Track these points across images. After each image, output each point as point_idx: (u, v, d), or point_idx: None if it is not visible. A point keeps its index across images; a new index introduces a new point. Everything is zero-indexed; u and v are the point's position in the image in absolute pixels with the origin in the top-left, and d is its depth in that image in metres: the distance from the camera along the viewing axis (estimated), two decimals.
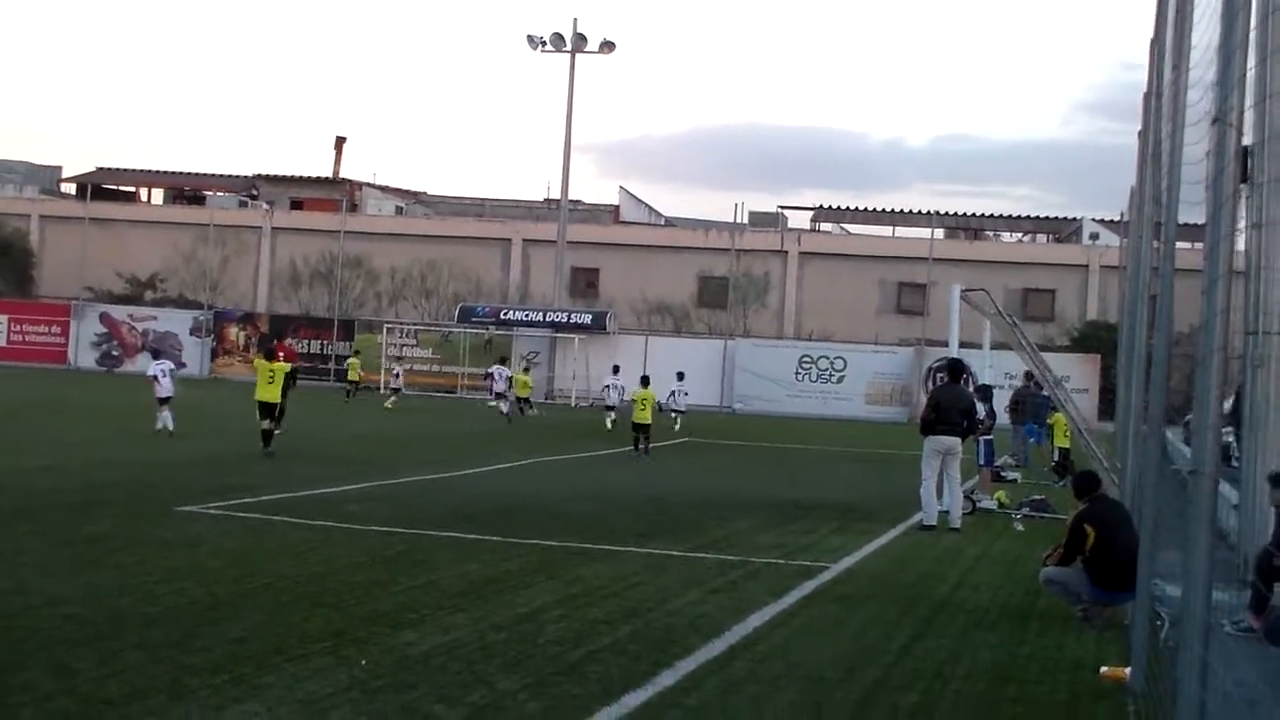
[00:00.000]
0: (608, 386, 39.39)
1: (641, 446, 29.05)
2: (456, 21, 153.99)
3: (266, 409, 24.65)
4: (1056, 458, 28.39)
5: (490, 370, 44.85)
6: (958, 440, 18.12)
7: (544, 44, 56.68)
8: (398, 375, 47.82)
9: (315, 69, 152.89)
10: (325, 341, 58.25)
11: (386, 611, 10.65)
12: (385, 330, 56.85)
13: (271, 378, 24.87)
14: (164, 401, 28.13)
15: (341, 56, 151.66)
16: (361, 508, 17.22)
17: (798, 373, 54.79)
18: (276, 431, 24.98)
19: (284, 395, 29.02)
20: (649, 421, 29.41)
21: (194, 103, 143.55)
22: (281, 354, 33.12)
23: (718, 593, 12.38)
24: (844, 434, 42.91)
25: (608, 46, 56.66)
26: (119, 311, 61.36)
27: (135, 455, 23.01)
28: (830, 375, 54.59)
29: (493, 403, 43.45)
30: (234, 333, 59.76)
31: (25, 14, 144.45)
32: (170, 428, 27.50)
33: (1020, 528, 18.51)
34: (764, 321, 65.90)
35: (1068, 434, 27.70)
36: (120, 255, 68.77)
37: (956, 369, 18.99)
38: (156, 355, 31.28)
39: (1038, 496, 21.55)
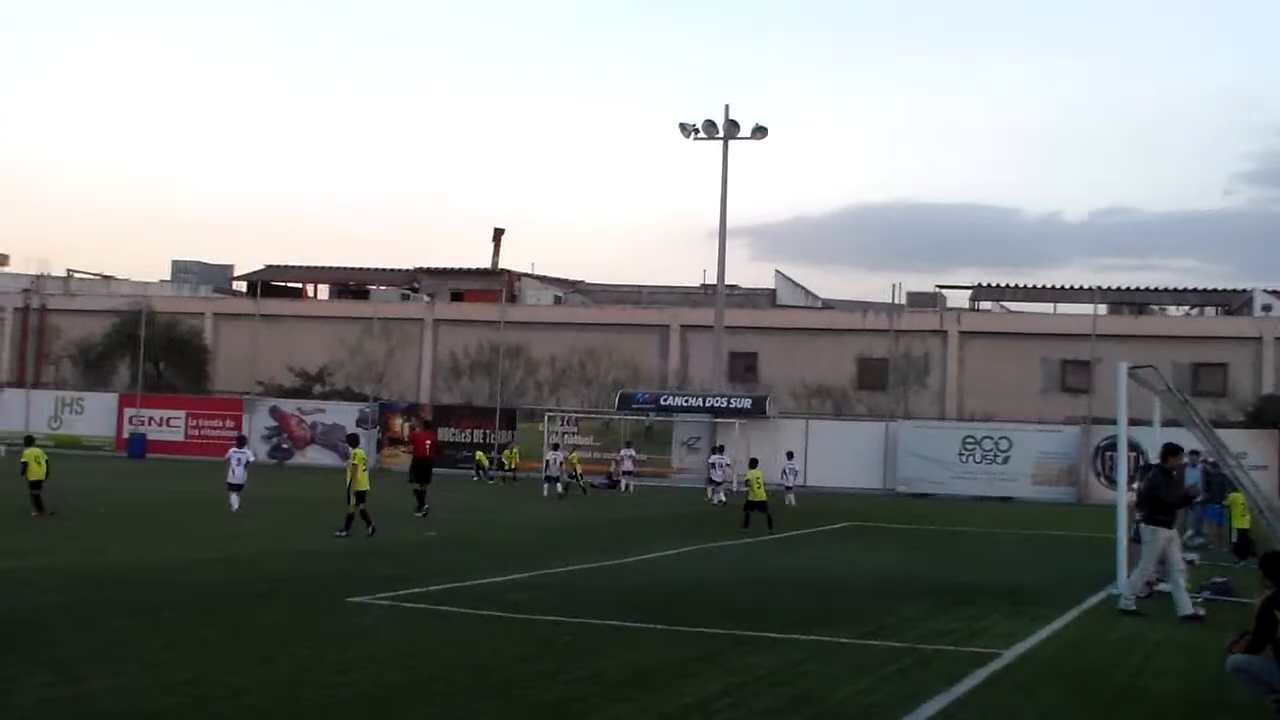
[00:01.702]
0: (785, 472, 44.23)
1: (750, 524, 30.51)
2: (611, 112, 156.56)
3: (359, 497, 25.71)
4: (1235, 538, 27.36)
5: (712, 459, 45.34)
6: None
7: (696, 132, 57.23)
8: (620, 465, 49.97)
9: (473, 162, 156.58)
10: (488, 430, 58.99)
11: (554, 702, 10.64)
12: (546, 418, 57.40)
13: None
14: (233, 489, 29.85)
15: (499, 149, 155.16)
16: (527, 597, 17.30)
17: (961, 454, 53.85)
18: (420, 513, 25.74)
19: (421, 479, 31.25)
20: (764, 498, 31.36)
21: (356, 199, 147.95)
22: (428, 441, 34.03)
23: (888, 681, 12.13)
24: (1011, 515, 41.98)
25: (760, 132, 56.97)
26: (288, 405, 62.98)
27: (305, 546, 23.50)
28: (995, 456, 53.57)
29: (720, 498, 43.08)
30: (398, 424, 60.86)
31: (197, 123, 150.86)
32: (236, 508, 29.25)
33: (1201, 611, 17.86)
34: (925, 402, 65.02)
35: (1246, 513, 26.69)
36: (289, 350, 70.78)
37: (1172, 452, 18.43)
38: (242, 444, 32.11)
39: (1219, 579, 20.77)
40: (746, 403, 56.65)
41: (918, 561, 25.26)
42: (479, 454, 51.90)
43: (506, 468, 49.82)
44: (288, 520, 29.46)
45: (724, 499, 42.69)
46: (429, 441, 34.31)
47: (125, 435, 62.17)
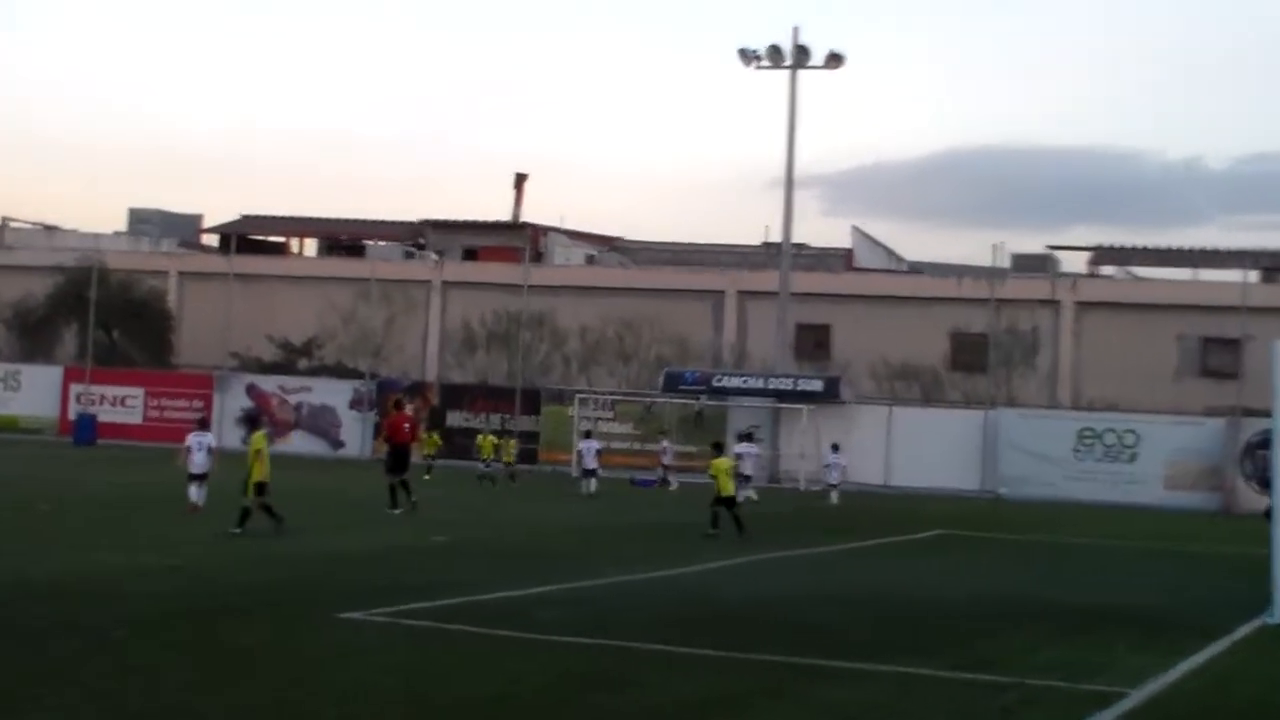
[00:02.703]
0: (828, 466, 45.34)
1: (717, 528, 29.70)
2: (656, 35, 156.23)
3: (259, 489, 25.97)
4: None
5: (738, 450, 45.53)
6: None
7: (759, 59, 56.99)
8: (666, 451, 49.73)
9: (490, 94, 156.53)
10: (506, 415, 59.11)
11: None
12: (576, 401, 57.47)
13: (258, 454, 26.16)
14: (195, 478, 29.36)
15: (520, 78, 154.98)
16: (553, 615, 17.31)
17: (1077, 450, 53.56)
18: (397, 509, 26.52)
19: (401, 469, 31.96)
20: (732, 493, 30.54)
21: (349, 137, 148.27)
22: (406, 424, 34.17)
23: None
24: (1138, 525, 41.76)
25: (835, 60, 56.68)
26: (268, 382, 63.29)
27: (286, 551, 23.60)
28: (1119, 453, 53.23)
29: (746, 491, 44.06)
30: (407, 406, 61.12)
31: (159, 41, 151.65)
32: (198, 502, 28.92)
33: None
34: (1032, 387, 64.68)
35: None
36: (269, 317, 71.06)
37: None
38: (203, 426, 31.74)
39: None
40: (816, 385, 56.51)
41: (1023, 579, 25.14)
42: (483, 438, 50.12)
43: (504, 462, 48.81)
44: (264, 520, 29.55)
45: (754, 495, 43.26)
46: (408, 425, 34.46)
47: (71, 416, 62.66)
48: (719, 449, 31.82)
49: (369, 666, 13.45)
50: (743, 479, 44.56)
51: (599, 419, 56.57)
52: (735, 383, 57.77)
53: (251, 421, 27.38)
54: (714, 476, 30.35)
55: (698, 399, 56.75)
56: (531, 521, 33.08)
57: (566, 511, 36.71)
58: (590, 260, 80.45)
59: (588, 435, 47.27)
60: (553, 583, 20.55)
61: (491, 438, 50.07)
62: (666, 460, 48.67)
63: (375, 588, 18.98)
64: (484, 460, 47.97)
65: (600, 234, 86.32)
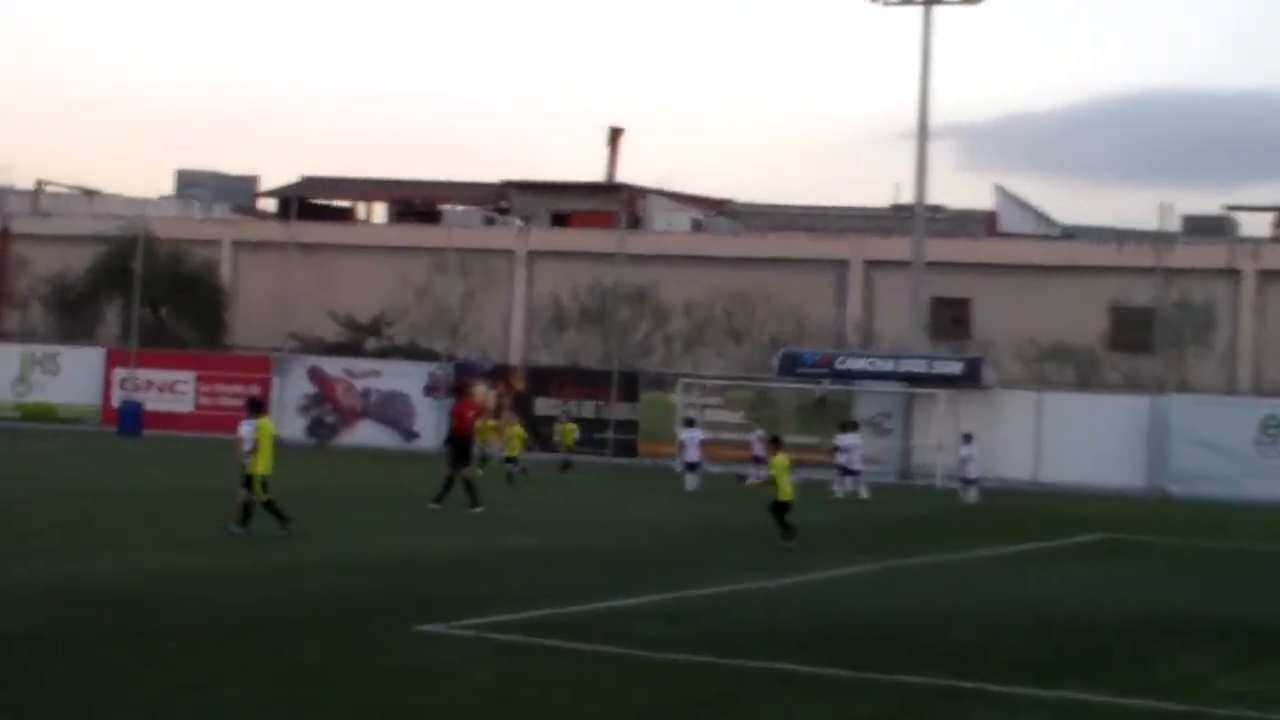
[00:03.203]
0: (964, 459, 45.67)
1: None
2: None
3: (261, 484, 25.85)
4: None
5: (837, 441, 45.45)
6: None
7: None
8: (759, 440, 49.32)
9: (582, 41, 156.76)
10: (601, 402, 59.24)
11: None
12: (680, 386, 57.43)
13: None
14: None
15: (616, 22, 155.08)
16: (658, 629, 17.35)
17: (1260, 441, 52.84)
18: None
19: (463, 461, 32.09)
20: (790, 498, 28.93)
21: (423, 90, 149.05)
22: (471, 412, 34.42)
23: None
24: None
25: None
26: (333, 365, 63.69)
27: (357, 556, 23.84)
28: None
29: (849, 488, 44.42)
30: (481, 392, 61.29)
31: None
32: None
33: None
34: (1207, 369, 63.90)
35: None
36: (333, 291, 71.55)
37: None
38: (255, 410, 31.49)
39: None
40: (955, 367, 56.11)
41: (1198, 592, 24.89)
42: (565, 426, 51.40)
43: (565, 448, 49.99)
44: (331, 519, 29.84)
45: (860, 491, 43.80)
46: (472, 414, 34.82)
47: (114, 404, 63.42)
48: (777, 444, 30.69)
49: (451, 686, 13.55)
50: (846, 473, 44.76)
51: (705, 406, 56.52)
52: (861, 365, 57.44)
53: (255, 407, 27.22)
54: (773, 477, 29.16)
55: (820, 383, 56.53)
56: (630, 522, 33.17)
57: (668, 511, 36.74)
58: (696, 226, 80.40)
59: (690, 424, 47.22)
60: (655, 592, 20.59)
61: (572, 425, 51.23)
62: (757, 451, 48.18)
63: (457, 597, 19.11)
64: (566, 448, 49.59)
65: (707, 196, 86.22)
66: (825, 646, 16.63)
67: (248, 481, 25.79)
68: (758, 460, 47.65)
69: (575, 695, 13.39)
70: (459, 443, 33.37)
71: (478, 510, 31.50)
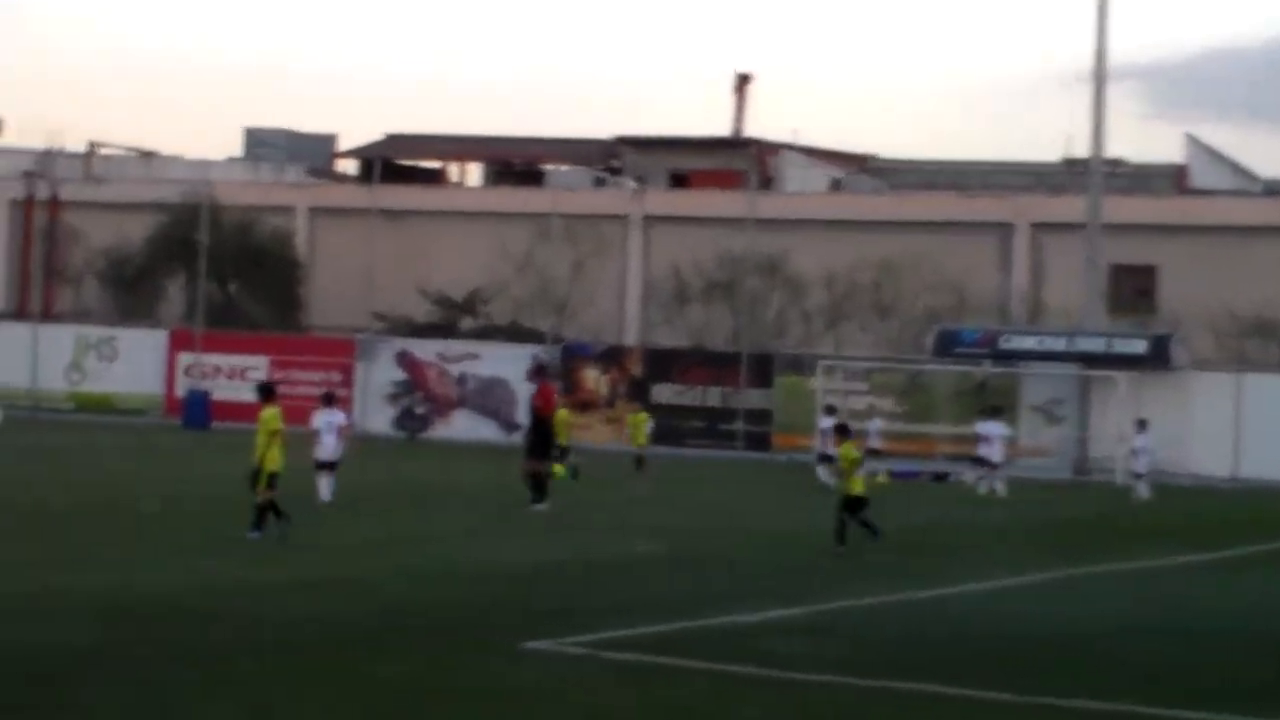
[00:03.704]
0: (1135, 451, 45.58)
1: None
2: None
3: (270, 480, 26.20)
4: None
5: (979, 429, 45.38)
6: None
7: None
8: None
9: None
10: (729, 388, 59.17)
11: None
12: (820, 369, 57.26)
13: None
14: (324, 467, 31.22)
15: None
16: (792, 645, 17.43)
17: None
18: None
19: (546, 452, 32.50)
20: (864, 492, 28.54)
21: (520, 36, 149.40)
22: (554, 399, 34.76)
23: None
24: None
25: None
26: (425, 348, 63.88)
27: (452, 564, 24.08)
28: None
29: (980, 478, 44.53)
30: (592, 377, 61.45)
31: None
32: (327, 498, 30.76)
33: None
34: None
35: None
36: (424, 263, 71.81)
37: None
38: (330, 402, 33.67)
39: None
40: (1138, 345, 55.60)
41: None
42: (635, 417, 49.78)
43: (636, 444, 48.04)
44: (423, 523, 30.11)
45: (997, 488, 43.84)
46: (555, 401, 35.66)
47: (179, 393, 63.95)
48: (845, 433, 30.46)
49: (561, 711, 13.69)
50: (984, 464, 44.70)
51: (849, 392, 56.38)
52: (1029, 343, 57.04)
53: (266, 392, 27.48)
54: (843, 469, 28.95)
55: (980, 365, 56.24)
56: (761, 526, 33.16)
57: (805, 512, 36.68)
58: (835, 186, 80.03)
59: (830, 411, 47.12)
60: (788, 605, 20.65)
61: (644, 415, 50.14)
62: (874, 444, 47.71)
63: (567, 610, 19.28)
64: (638, 445, 47.81)
65: (847, 152, 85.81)
66: (982, 666, 16.62)
67: (273, 480, 26.16)
68: (873, 453, 47.19)
69: (701, 718, 13.46)
70: (541, 430, 33.69)
71: (539, 508, 31.70)
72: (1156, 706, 14.85)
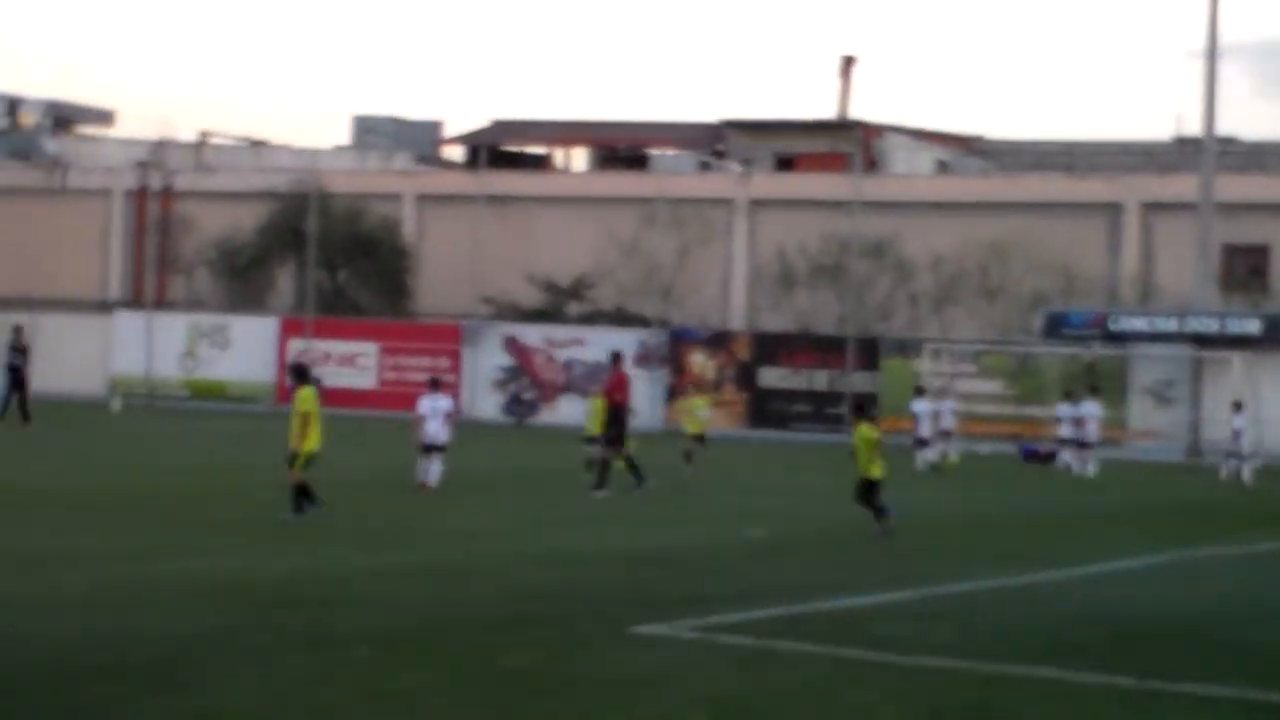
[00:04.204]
0: (1237, 432, 45.16)
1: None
2: None
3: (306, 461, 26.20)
4: None
5: (1084, 410, 45.53)
6: None
7: None
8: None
9: None
10: (835, 371, 59.08)
11: None
12: (926, 352, 57.08)
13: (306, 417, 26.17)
14: (431, 450, 31.74)
15: None
16: (907, 629, 17.44)
17: None
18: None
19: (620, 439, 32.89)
20: (880, 476, 27.34)
21: (624, 20, 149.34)
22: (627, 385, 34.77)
23: None
24: None
25: None
26: (531, 333, 64.20)
27: (563, 548, 24.17)
28: None
29: (1076, 459, 44.90)
30: (699, 362, 61.50)
31: None
32: (433, 483, 31.30)
33: None
34: None
35: None
36: (529, 249, 72.05)
37: None
38: (436, 387, 34.29)
39: None
40: (1253, 325, 55.14)
41: None
42: (690, 401, 44.64)
43: (690, 434, 41.73)
44: (532, 509, 30.23)
45: (1091, 471, 44.08)
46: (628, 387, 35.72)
47: (290, 381, 64.44)
48: (862, 412, 29.02)
49: (677, 695, 13.71)
50: (1082, 446, 44.72)
51: (956, 375, 56.16)
52: (1139, 325, 56.65)
53: (299, 374, 27.31)
54: (853, 451, 27.56)
55: (1089, 347, 55.89)
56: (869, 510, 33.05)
57: (912, 495, 36.57)
58: (942, 168, 79.78)
59: (921, 393, 46.71)
60: (900, 588, 20.68)
61: (700, 399, 44.73)
62: (946, 424, 47.31)
63: (679, 595, 19.33)
64: (692, 435, 41.42)
65: (954, 133, 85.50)
66: (1100, 651, 16.53)
67: (308, 460, 26.14)
68: (946, 434, 47.06)
69: (816, 706, 13.49)
70: (616, 416, 33.78)
71: (601, 494, 31.98)
72: (1277, 692, 14.77)
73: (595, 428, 36.03)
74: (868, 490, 27.24)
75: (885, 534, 26.60)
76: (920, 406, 45.54)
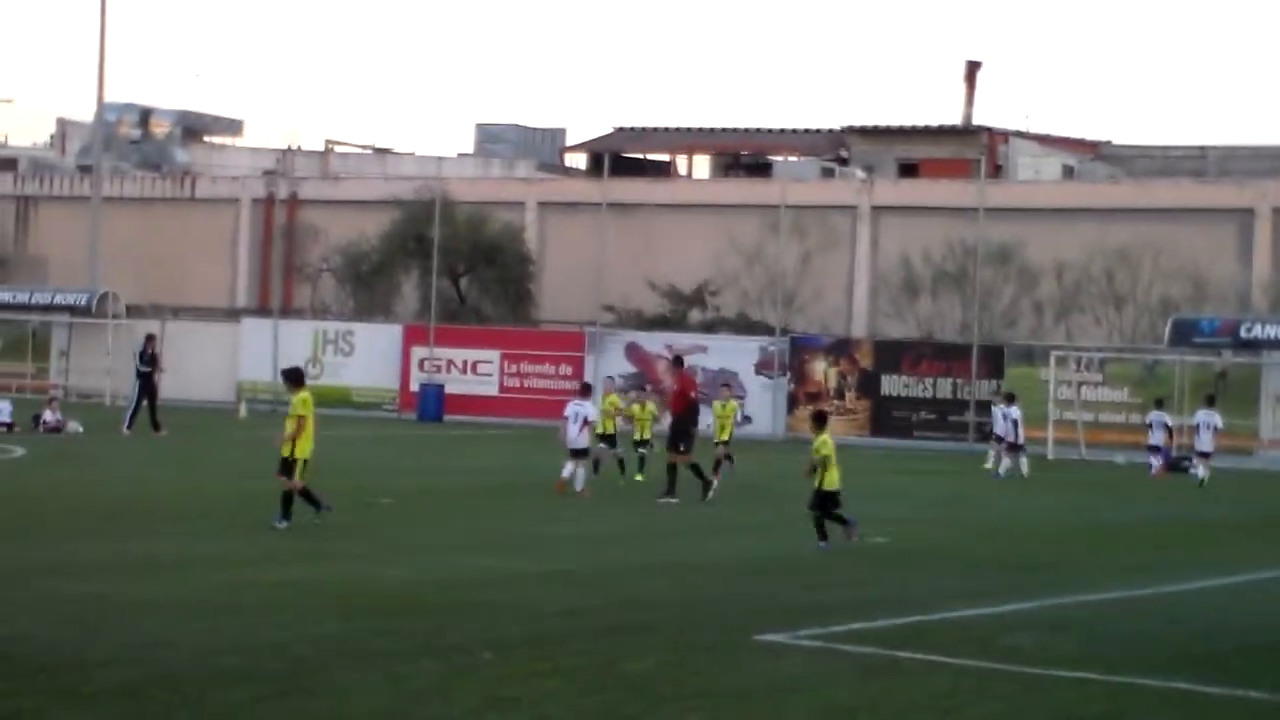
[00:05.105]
0: None
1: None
2: None
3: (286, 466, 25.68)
4: None
5: (1151, 417, 45.31)
6: None
7: None
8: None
9: None
10: (960, 379, 58.76)
11: None
12: (1052, 360, 56.71)
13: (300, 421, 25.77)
14: (576, 455, 32.20)
15: None
16: (1032, 640, 17.33)
17: None
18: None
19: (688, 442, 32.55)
20: (838, 488, 25.83)
21: (745, 26, 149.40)
22: (693, 390, 34.61)
23: None
24: None
25: None
26: (653, 341, 64.18)
27: (683, 557, 24.24)
28: None
29: (1196, 469, 44.15)
30: (820, 369, 61.38)
31: None
32: (577, 487, 31.82)
33: None
34: None
35: None
36: (651, 256, 72.25)
37: None
38: (586, 393, 34.85)
39: None
40: None
41: None
42: (725, 406, 38.41)
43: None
44: (653, 517, 30.23)
45: (1203, 474, 43.07)
46: (694, 391, 35.69)
47: (413, 387, 64.86)
48: (822, 421, 26.83)
49: (801, 704, 13.70)
50: (1199, 456, 44.19)
51: (1083, 383, 55.78)
52: (1271, 332, 56.02)
53: (294, 379, 27.07)
54: (820, 459, 25.71)
55: (1220, 354, 55.35)
56: (992, 518, 32.92)
57: (1035, 504, 36.44)
58: (1067, 174, 79.43)
59: (1011, 400, 45.93)
60: (1027, 599, 20.56)
61: (733, 404, 40.20)
62: (1154, 440, 47.24)
63: (800, 603, 19.33)
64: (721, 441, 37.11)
65: (1079, 138, 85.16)
66: (1231, 664, 16.38)
67: (287, 467, 25.73)
68: (1153, 449, 46.85)
69: (937, 716, 13.42)
70: (684, 423, 33.65)
71: (674, 501, 31.86)
72: None
73: (608, 427, 36.62)
74: (827, 501, 25.99)
75: (851, 539, 25.54)
76: (1014, 413, 44.80)
